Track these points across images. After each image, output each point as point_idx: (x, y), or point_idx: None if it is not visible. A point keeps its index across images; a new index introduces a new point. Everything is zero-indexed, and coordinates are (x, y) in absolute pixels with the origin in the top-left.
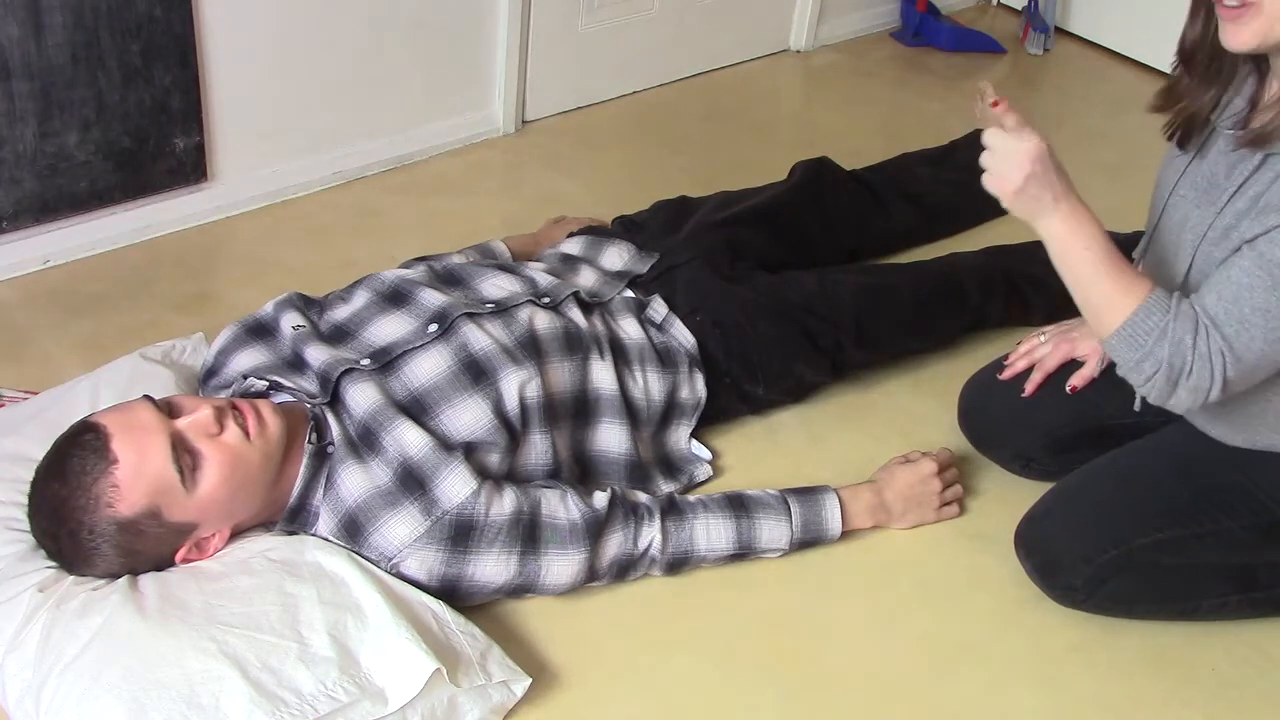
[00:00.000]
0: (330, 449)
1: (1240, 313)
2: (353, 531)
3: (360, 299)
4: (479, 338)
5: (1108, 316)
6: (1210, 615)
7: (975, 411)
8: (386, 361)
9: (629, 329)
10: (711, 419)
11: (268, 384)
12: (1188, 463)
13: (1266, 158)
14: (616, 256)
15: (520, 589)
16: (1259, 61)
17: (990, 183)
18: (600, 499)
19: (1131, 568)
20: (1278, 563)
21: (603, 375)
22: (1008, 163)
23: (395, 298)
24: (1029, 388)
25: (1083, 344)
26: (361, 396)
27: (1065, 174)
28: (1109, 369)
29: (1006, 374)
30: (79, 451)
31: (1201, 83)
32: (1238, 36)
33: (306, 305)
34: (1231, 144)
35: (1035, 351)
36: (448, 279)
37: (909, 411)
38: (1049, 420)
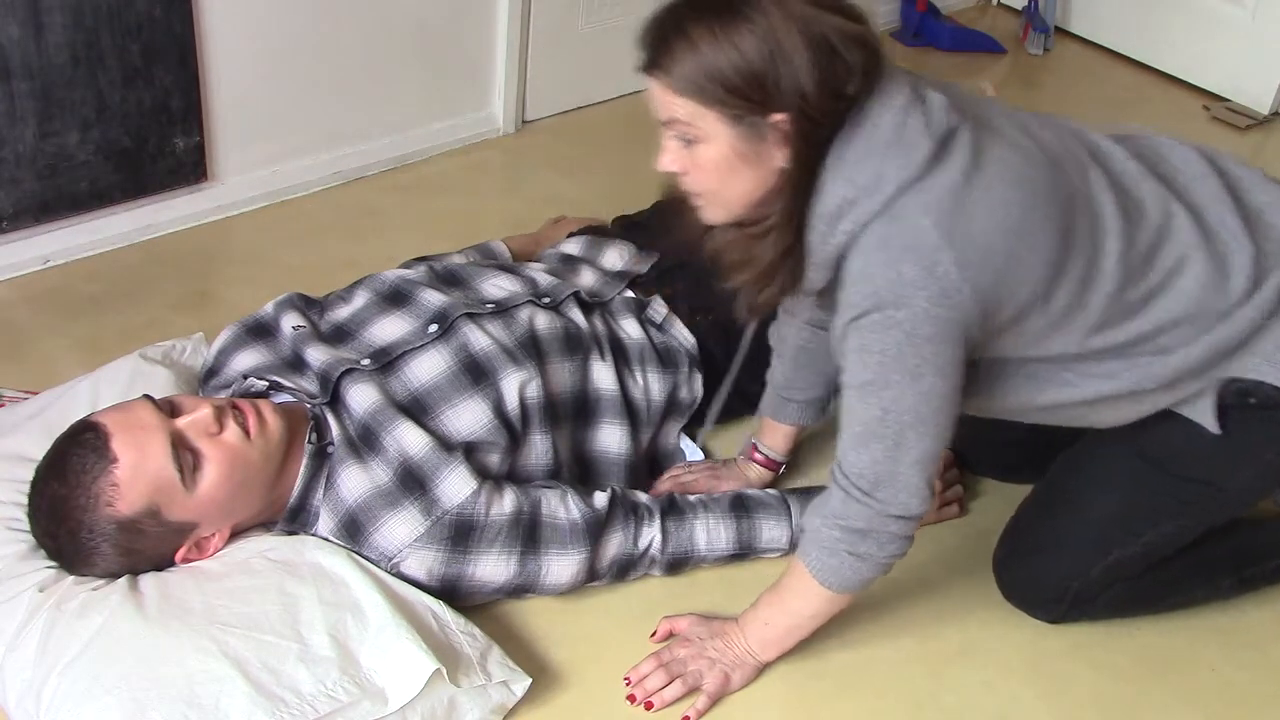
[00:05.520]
0: (330, 449)
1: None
2: (353, 531)
3: (360, 299)
4: (479, 338)
5: (816, 591)
6: (1205, 601)
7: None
8: (387, 362)
9: (629, 329)
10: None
11: (268, 384)
12: (1105, 470)
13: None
14: (617, 256)
15: (520, 589)
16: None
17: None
18: (600, 499)
19: (1103, 589)
20: (1265, 538)
21: (603, 375)
22: (708, 676)
23: (395, 298)
24: (658, 488)
25: (726, 484)
26: (361, 396)
27: (717, 625)
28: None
29: (652, 491)
30: (79, 450)
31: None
32: (707, 217)
33: (306, 305)
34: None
35: (681, 477)
36: (448, 279)
37: None
38: (1021, 440)
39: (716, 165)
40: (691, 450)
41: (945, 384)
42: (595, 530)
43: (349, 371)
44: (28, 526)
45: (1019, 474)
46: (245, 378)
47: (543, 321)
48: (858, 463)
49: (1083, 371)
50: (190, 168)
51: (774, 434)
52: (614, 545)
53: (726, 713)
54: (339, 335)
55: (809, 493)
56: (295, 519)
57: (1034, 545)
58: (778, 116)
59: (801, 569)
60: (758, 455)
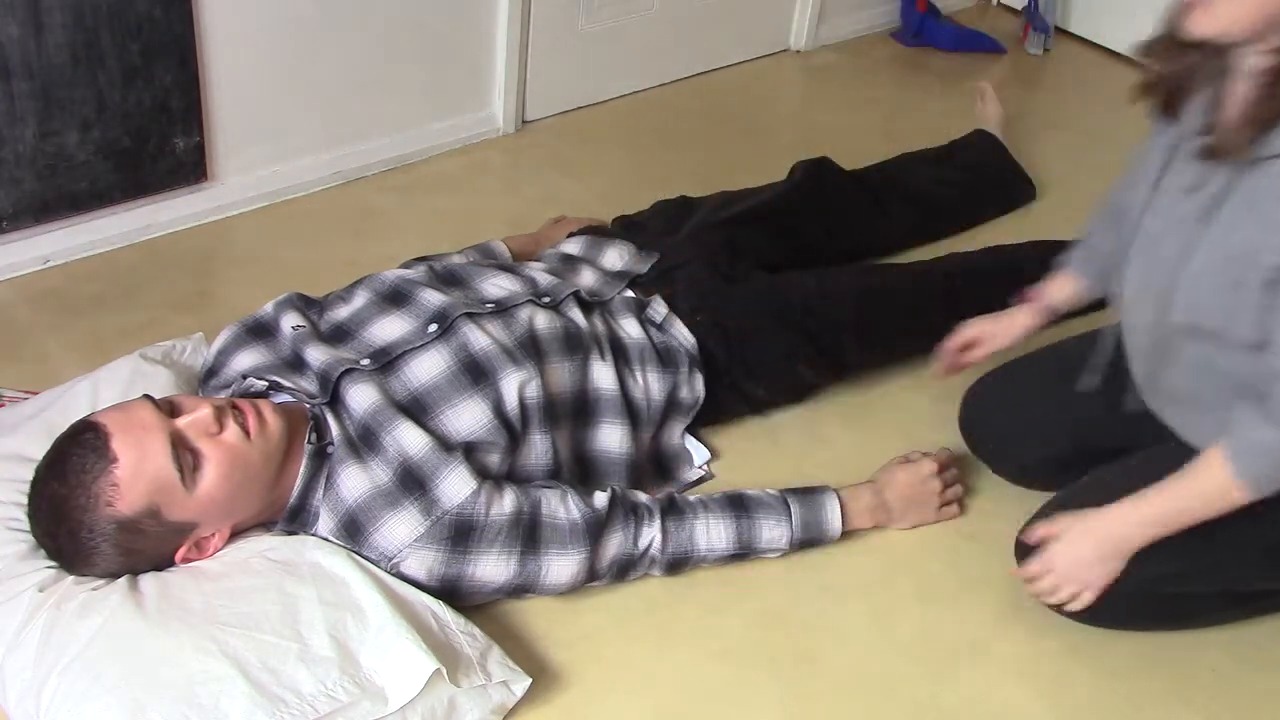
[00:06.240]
0: (330, 449)
1: None
2: (353, 531)
3: (360, 299)
4: (479, 338)
5: (1225, 496)
6: (1205, 624)
7: (977, 426)
8: (386, 361)
9: (629, 329)
10: (712, 419)
11: (267, 384)
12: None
13: (1255, 163)
14: (617, 256)
15: (520, 589)
16: (1224, 60)
17: (1081, 593)
18: (600, 499)
19: (1128, 593)
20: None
21: (603, 375)
22: (1082, 573)
23: (395, 298)
24: (955, 363)
25: (1005, 324)
26: (361, 396)
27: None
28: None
29: (940, 371)
30: (79, 450)
31: (1177, 53)
32: (1199, 22)
33: (306, 305)
34: (1194, 154)
35: (956, 338)
36: (448, 279)
37: (909, 411)
38: (1051, 441)
39: None
40: (698, 450)
41: None
42: (595, 530)
43: (349, 371)
44: (28, 526)
45: (1034, 478)
46: (245, 378)
47: (542, 321)
48: None
49: None
50: (190, 168)
51: (1062, 286)
52: (614, 545)
53: (726, 712)
54: (339, 335)
55: (809, 493)
56: (295, 519)
57: None
58: None
59: (1217, 458)
60: (1040, 297)
